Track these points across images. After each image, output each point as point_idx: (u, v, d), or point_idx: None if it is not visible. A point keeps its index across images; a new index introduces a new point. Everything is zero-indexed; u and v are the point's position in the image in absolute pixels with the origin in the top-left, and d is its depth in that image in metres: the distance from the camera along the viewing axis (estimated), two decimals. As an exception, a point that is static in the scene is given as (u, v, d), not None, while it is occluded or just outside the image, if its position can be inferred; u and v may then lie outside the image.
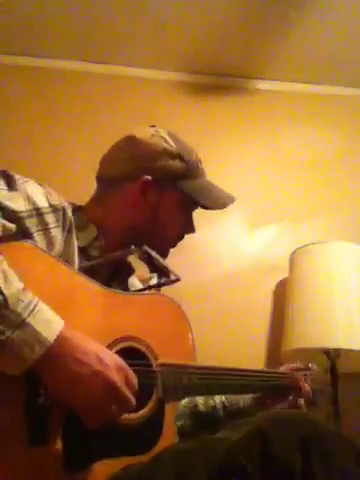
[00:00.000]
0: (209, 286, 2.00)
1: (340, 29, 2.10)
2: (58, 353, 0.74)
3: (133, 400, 0.81)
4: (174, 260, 1.19)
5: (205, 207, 1.18)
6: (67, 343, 0.75)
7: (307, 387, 1.29)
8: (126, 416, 0.87)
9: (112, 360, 0.80)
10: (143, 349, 0.95)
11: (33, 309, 0.72)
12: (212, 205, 1.17)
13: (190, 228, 1.22)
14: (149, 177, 1.12)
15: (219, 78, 2.32)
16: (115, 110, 2.20)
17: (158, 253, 1.12)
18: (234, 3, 1.97)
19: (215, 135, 2.23)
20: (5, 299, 0.70)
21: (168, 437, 0.95)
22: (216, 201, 1.18)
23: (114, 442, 0.87)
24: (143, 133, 1.17)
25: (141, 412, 0.92)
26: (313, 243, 1.90)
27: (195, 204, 1.18)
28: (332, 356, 1.74)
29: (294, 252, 1.94)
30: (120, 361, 0.82)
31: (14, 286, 0.72)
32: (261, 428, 0.77)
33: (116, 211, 1.13)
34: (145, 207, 1.13)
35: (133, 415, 0.90)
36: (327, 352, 1.75)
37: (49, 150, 2.08)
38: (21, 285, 0.74)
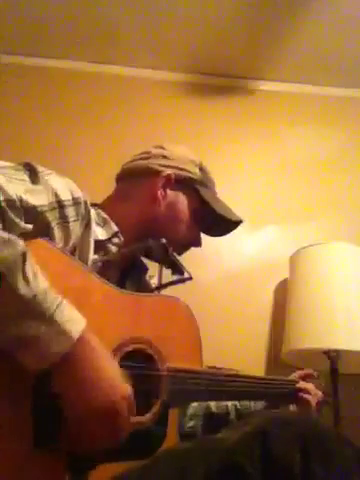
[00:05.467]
0: (210, 286, 2.00)
1: (341, 30, 2.10)
2: (78, 353, 0.74)
3: (125, 433, 0.79)
4: (174, 260, 1.20)
5: (218, 217, 1.18)
6: (88, 344, 0.76)
7: (318, 393, 1.29)
8: (132, 419, 0.86)
9: (123, 385, 0.79)
10: (151, 352, 0.94)
11: (58, 305, 0.73)
12: (225, 214, 1.19)
13: (196, 240, 1.22)
14: (172, 174, 1.14)
15: (219, 78, 2.33)
16: (115, 110, 2.21)
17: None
18: (235, 3, 1.97)
19: (215, 135, 2.23)
20: (34, 295, 0.71)
21: (171, 441, 0.95)
22: (228, 213, 1.20)
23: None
24: (170, 143, 1.23)
25: (146, 415, 0.91)
26: (314, 244, 1.89)
27: (206, 215, 1.18)
28: (332, 357, 1.73)
29: (295, 253, 1.94)
30: (128, 389, 0.80)
31: (42, 283, 0.73)
32: (261, 428, 0.76)
33: (135, 204, 1.14)
34: (162, 203, 1.14)
35: (138, 418, 0.89)
36: (327, 353, 1.74)
37: (49, 149, 2.08)
38: (47, 282, 0.74)
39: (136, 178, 1.17)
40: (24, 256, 0.72)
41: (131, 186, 1.17)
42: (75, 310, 0.76)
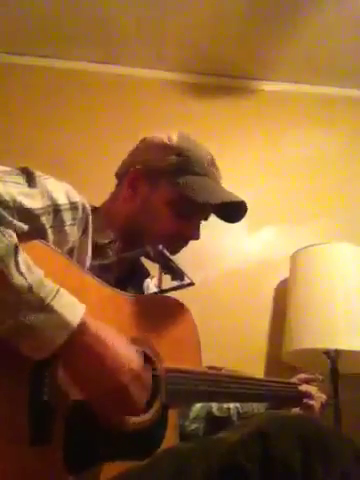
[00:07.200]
0: (210, 286, 2.00)
1: (343, 30, 2.10)
2: (80, 338, 0.75)
3: (140, 404, 0.82)
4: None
5: (199, 204, 1.09)
6: (89, 329, 0.76)
7: (322, 396, 1.28)
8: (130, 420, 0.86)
9: (129, 360, 0.80)
10: (149, 352, 0.93)
11: (55, 294, 0.73)
12: (205, 199, 1.09)
13: (193, 233, 1.16)
14: (141, 168, 1.13)
15: (220, 78, 2.32)
16: (115, 110, 2.21)
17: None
18: (236, 3, 1.97)
19: (216, 136, 2.23)
20: (29, 285, 0.71)
21: (170, 441, 0.95)
22: (211, 196, 1.10)
23: (117, 445, 0.86)
24: (153, 133, 1.20)
25: (145, 416, 0.90)
26: (314, 244, 1.89)
27: (195, 205, 1.10)
28: (332, 357, 1.74)
29: (295, 253, 1.94)
30: (135, 361, 0.81)
31: (36, 273, 0.73)
32: (261, 428, 0.77)
33: (118, 205, 1.15)
34: (136, 200, 1.12)
35: (137, 419, 0.89)
36: (327, 353, 1.74)
37: (49, 149, 2.07)
38: (42, 272, 0.74)
39: (120, 179, 1.19)
40: (17, 248, 0.72)
41: (117, 187, 1.19)
42: (73, 297, 0.76)
